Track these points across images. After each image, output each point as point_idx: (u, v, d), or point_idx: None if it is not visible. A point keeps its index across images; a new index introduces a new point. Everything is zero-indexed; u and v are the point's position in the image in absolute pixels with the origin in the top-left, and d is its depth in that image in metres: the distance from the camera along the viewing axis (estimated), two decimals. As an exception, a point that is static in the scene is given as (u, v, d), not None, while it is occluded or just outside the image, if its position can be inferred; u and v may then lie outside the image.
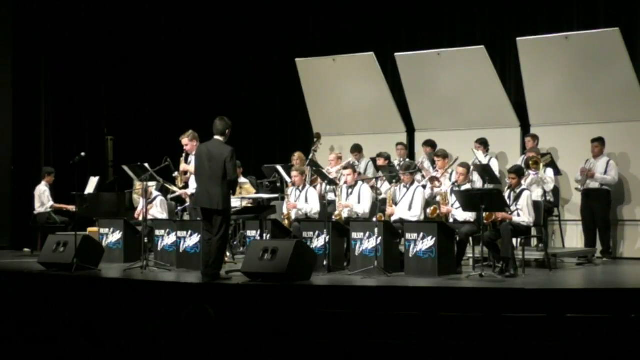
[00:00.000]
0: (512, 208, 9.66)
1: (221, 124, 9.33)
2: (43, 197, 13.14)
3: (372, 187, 10.95)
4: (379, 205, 10.75)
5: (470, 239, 10.10)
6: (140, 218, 10.83)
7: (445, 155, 11.19)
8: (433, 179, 10.91)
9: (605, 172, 11.29)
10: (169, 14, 15.69)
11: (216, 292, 8.90)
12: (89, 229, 12.21)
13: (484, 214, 9.35)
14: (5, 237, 14.62)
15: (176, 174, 10.92)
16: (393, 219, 10.34)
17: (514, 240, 9.74)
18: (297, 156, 12.27)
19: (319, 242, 10.15)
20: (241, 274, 9.33)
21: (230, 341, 7.20)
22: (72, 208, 12.82)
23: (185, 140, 10.63)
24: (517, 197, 9.75)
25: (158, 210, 11.65)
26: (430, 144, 12.34)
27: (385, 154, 12.06)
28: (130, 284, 9.53)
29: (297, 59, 13.94)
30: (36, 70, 14.98)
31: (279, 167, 12.39)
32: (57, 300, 9.14)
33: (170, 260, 10.82)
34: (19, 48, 14.85)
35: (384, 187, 11.20)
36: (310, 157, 12.26)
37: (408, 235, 9.67)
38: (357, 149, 12.82)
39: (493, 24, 13.64)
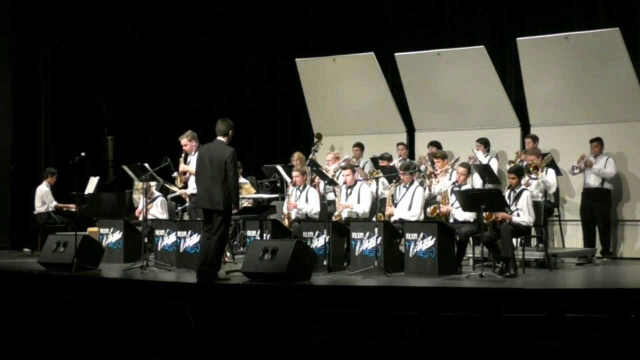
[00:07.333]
0: (512, 208, 9.65)
1: (223, 124, 9.32)
2: (45, 197, 13.14)
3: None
4: (378, 205, 10.76)
5: (470, 239, 10.09)
6: (141, 218, 10.83)
7: (444, 157, 11.20)
8: (430, 175, 10.94)
9: (604, 167, 11.33)
10: (169, 14, 15.68)
11: (216, 292, 8.89)
12: (89, 229, 12.21)
13: (484, 214, 9.35)
14: (5, 237, 14.61)
15: (175, 174, 10.93)
16: (393, 219, 10.33)
17: (514, 240, 9.74)
18: (297, 156, 12.27)
19: (319, 242, 10.14)
20: (241, 274, 9.33)
21: (230, 341, 7.21)
22: (73, 207, 12.82)
23: (184, 141, 10.65)
24: (517, 197, 9.74)
25: (158, 210, 11.64)
26: (435, 144, 12.33)
27: (386, 155, 12.06)
28: (130, 284, 9.53)
29: (297, 59, 13.93)
30: (36, 71, 14.98)
31: (279, 167, 12.39)
32: (57, 300, 9.14)
33: (170, 260, 10.82)
34: (19, 48, 14.85)
35: (383, 185, 11.22)
36: (310, 157, 12.26)
37: (408, 235, 9.67)
38: (358, 145, 12.86)
39: (493, 24, 13.64)
